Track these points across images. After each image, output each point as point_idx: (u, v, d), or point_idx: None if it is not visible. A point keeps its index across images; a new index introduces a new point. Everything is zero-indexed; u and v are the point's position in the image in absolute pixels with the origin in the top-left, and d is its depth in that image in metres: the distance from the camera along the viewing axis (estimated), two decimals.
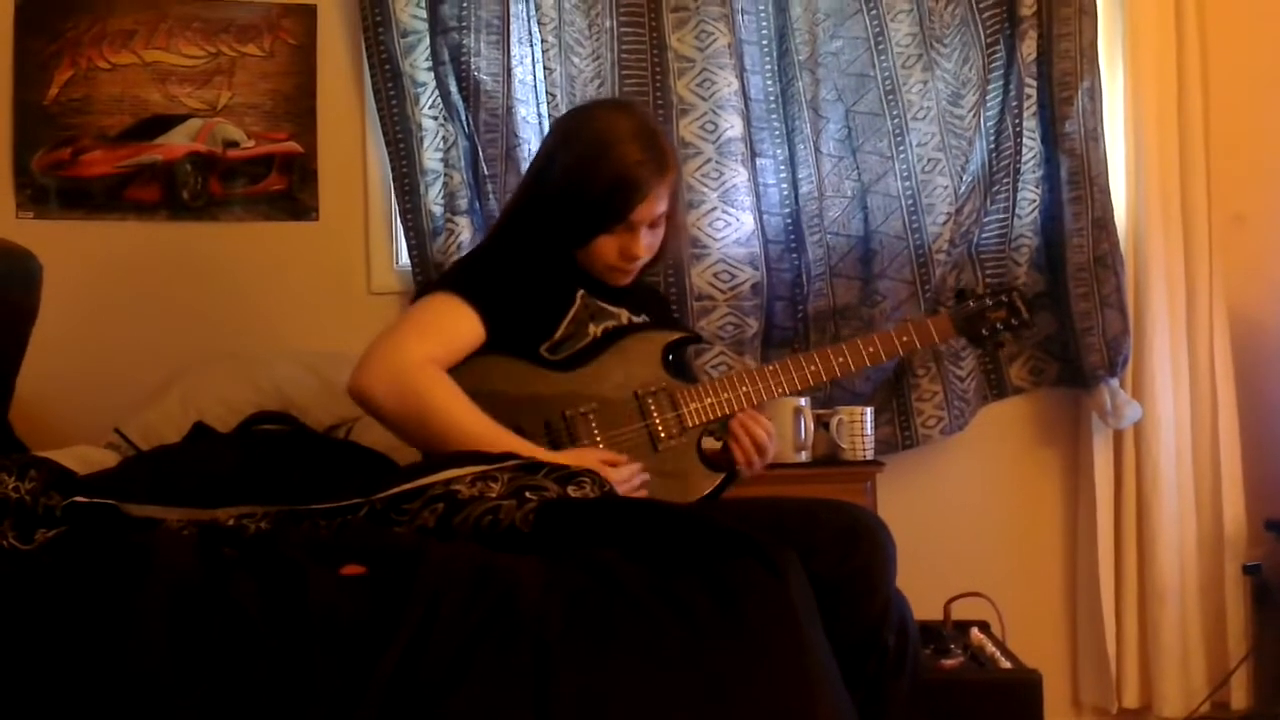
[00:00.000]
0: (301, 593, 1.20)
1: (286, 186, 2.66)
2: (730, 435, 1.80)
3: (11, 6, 2.57)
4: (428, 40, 2.54)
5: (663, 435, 1.76)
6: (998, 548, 2.74)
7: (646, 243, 1.83)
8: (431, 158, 2.56)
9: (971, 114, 2.62)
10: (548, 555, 1.31)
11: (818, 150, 2.61)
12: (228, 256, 2.63)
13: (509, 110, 2.54)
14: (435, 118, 2.57)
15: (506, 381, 1.75)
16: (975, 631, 2.28)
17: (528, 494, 1.46)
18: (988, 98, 2.62)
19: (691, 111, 2.58)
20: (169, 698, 1.12)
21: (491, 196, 2.52)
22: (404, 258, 2.64)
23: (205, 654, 1.15)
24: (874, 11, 2.62)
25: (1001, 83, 2.62)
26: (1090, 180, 2.58)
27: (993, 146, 2.63)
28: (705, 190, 2.57)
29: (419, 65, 2.56)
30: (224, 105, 2.64)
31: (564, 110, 2.51)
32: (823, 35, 2.63)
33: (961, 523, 2.73)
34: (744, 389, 1.80)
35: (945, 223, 2.60)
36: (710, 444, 1.81)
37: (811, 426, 2.38)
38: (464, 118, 2.53)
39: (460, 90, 2.52)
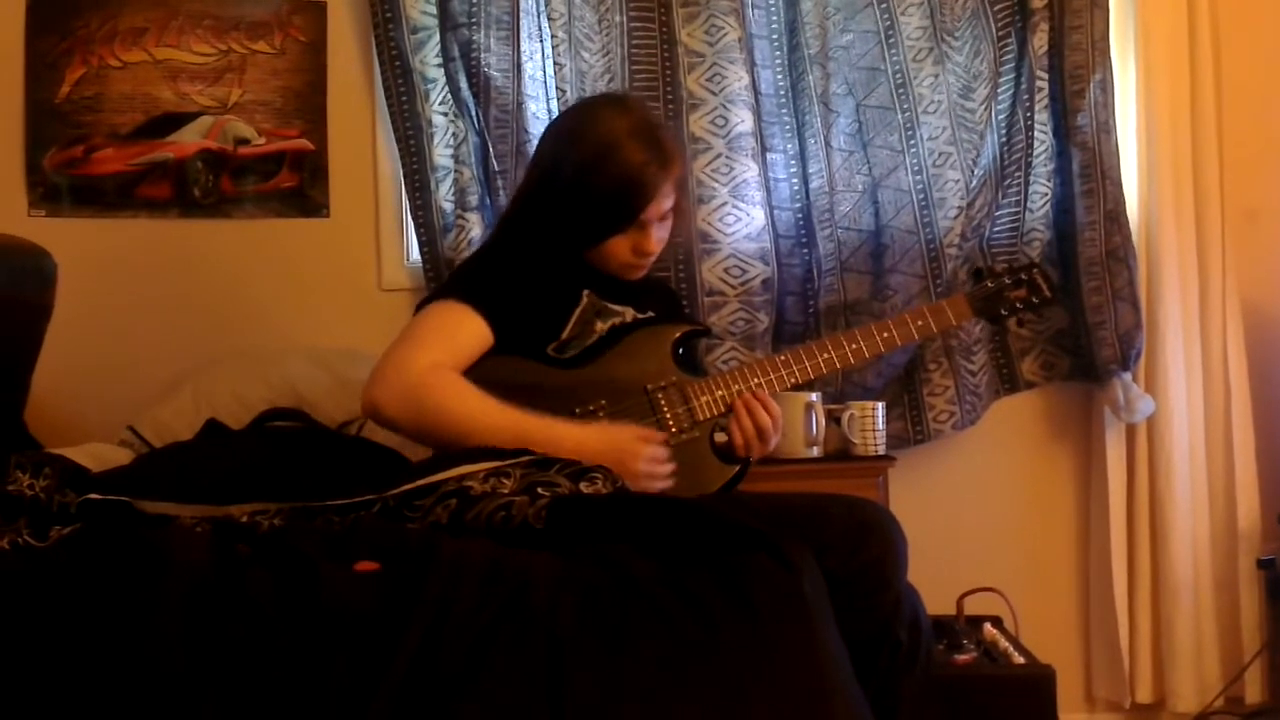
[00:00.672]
0: (315, 589, 1.20)
1: (298, 183, 2.66)
2: (732, 414, 1.78)
3: (23, 5, 2.58)
4: (438, 36, 2.54)
5: (674, 429, 1.76)
6: (1010, 543, 2.73)
7: (658, 237, 1.83)
8: (442, 154, 2.56)
9: (983, 107, 2.61)
10: (560, 551, 1.31)
11: (828, 145, 2.61)
12: (239, 254, 2.64)
13: (519, 106, 2.54)
14: (445, 114, 2.57)
15: (515, 380, 1.74)
16: (988, 626, 2.27)
17: (540, 490, 1.47)
18: (999, 91, 2.61)
19: (702, 106, 2.57)
20: (184, 694, 1.13)
21: (502, 192, 2.52)
22: (415, 254, 2.65)
23: (220, 650, 1.16)
24: (884, 5, 2.61)
25: (1013, 76, 2.61)
26: (1102, 173, 2.57)
27: (1004, 140, 2.62)
28: (716, 185, 2.57)
29: (429, 61, 2.56)
30: (235, 102, 2.64)
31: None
32: (833, 29, 2.62)
33: (974, 518, 2.72)
34: (755, 380, 1.80)
35: (957, 217, 2.59)
36: (722, 437, 1.80)
37: (823, 421, 2.38)
38: (474, 114, 2.53)
39: (470, 86, 2.52)
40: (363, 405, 1.71)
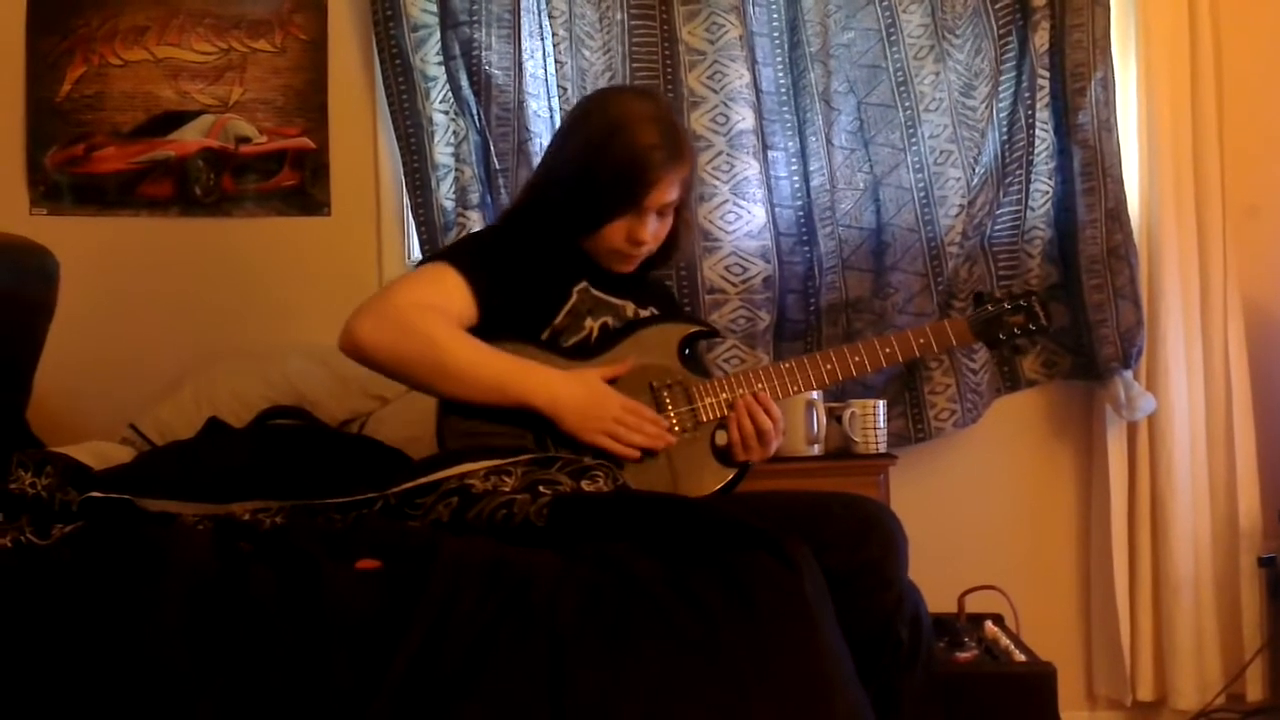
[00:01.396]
0: (317, 587, 1.20)
1: (299, 182, 2.66)
2: (733, 413, 1.78)
3: (23, 4, 2.59)
4: (438, 35, 2.54)
5: (677, 428, 1.76)
6: (1011, 540, 2.73)
7: (653, 229, 1.81)
8: (443, 152, 2.56)
9: (984, 105, 2.61)
10: (562, 549, 1.31)
11: (829, 142, 2.61)
12: (240, 252, 2.64)
13: (520, 104, 2.54)
14: (446, 112, 2.57)
15: None
16: (989, 624, 2.27)
17: (541, 488, 1.47)
18: (1000, 89, 2.61)
19: (703, 104, 2.57)
20: (186, 691, 1.13)
21: (503, 191, 2.52)
22: (416, 253, 2.65)
23: (222, 648, 1.16)
24: (886, 3, 2.61)
25: (1014, 74, 2.61)
26: (1103, 171, 2.57)
27: (1005, 138, 2.62)
28: (717, 183, 2.57)
29: (429, 60, 2.56)
30: (236, 101, 2.64)
31: (575, 104, 2.51)
32: (834, 27, 2.62)
33: (975, 516, 2.72)
34: (759, 385, 1.80)
35: (958, 215, 2.59)
36: (724, 438, 1.80)
37: (824, 420, 2.38)
38: (475, 112, 2.53)
39: (471, 85, 2.52)
40: (341, 340, 1.68)
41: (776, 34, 2.63)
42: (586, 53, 2.58)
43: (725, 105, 2.57)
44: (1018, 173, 2.62)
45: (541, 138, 2.54)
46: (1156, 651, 2.64)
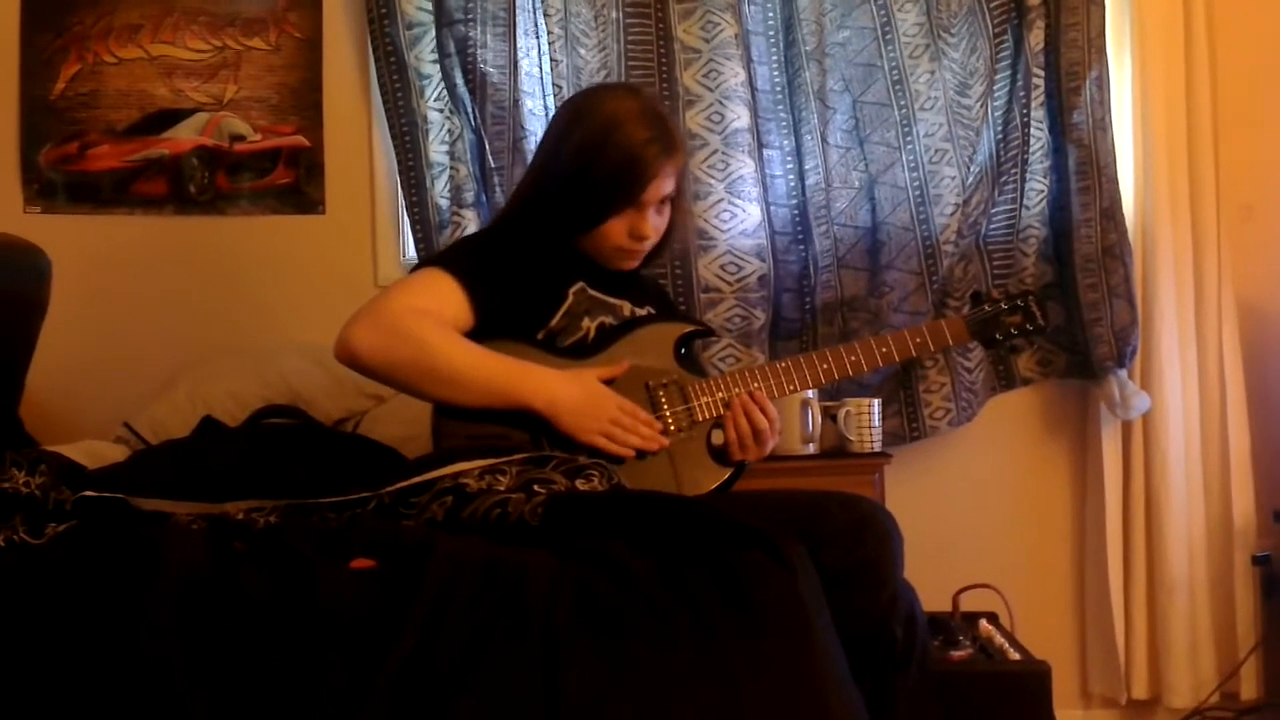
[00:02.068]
0: (311, 586, 1.20)
1: (293, 180, 2.66)
2: (727, 412, 1.78)
3: (17, 2, 2.58)
4: (433, 33, 2.54)
5: (672, 428, 1.76)
6: (1006, 539, 2.73)
7: (654, 223, 1.82)
8: (437, 150, 2.56)
9: (979, 104, 2.61)
10: (556, 548, 1.31)
11: (825, 141, 2.61)
12: (235, 250, 2.64)
13: (515, 102, 2.54)
14: (441, 110, 2.56)
15: None
16: (984, 623, 2.28)
17: (536, 487, 1.46)
18: (995, 88, 2.61)
19: (698, 102, 2.57)
20: (180, 691, 1.13)
21: (498, 189, 2.52)
22: (411, 251, 2.64)
23: (215, 647, 1.16)
24: (881, 1, 2.61)
25: (1009, 73, 2.61)
26: (1098, 171, 2.57)
27: (1000, 137, 2.62)
28: (712, 181, 2.57)
29: (424, 58, 2.56)
30: (230, 99, 2.64)
31: (562, 105, 2.50)
32: (830, 25, 2.62)
33: (970, 514, 2.73)
34: (755, 384, 1.80)
35: (953, 214, 2.59)
36: (720, 437, 1.80)
37: (819, 418, 2.38)
38: (470, 110, 2.52)
39: (466, 83, 2.52)
40: (336, 348, 1.67)
41: (772, 32, 2.63)
42: (582, 51, 2.58)
43: (720, 103, 2.57)
44: (1013, 171, 2.63)
45: (536, 136, 2.54)
46: (1151, 650, 2.65)
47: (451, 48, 2.51)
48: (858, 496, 1.60)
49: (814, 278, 2.60)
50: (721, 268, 2.56)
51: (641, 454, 1.70)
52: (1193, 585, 2.62)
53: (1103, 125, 2.58)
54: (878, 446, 2.44)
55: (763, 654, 1.20)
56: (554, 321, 1.77)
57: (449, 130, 2.56)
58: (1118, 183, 2.60)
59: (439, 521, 1.44)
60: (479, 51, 2.52)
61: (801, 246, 2.62)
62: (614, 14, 2.58)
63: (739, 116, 2.56)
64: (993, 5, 2.60)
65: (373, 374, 1.68)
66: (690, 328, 1.87)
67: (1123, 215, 2.59)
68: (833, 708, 1.21)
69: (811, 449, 2.38)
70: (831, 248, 2.62)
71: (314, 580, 1.21)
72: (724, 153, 2.57)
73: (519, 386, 1.66)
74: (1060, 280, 2.65)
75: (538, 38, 2.57)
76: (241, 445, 1.89)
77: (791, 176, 2.63)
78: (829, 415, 2.42)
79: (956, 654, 2.07)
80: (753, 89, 2.58)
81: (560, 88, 2.53)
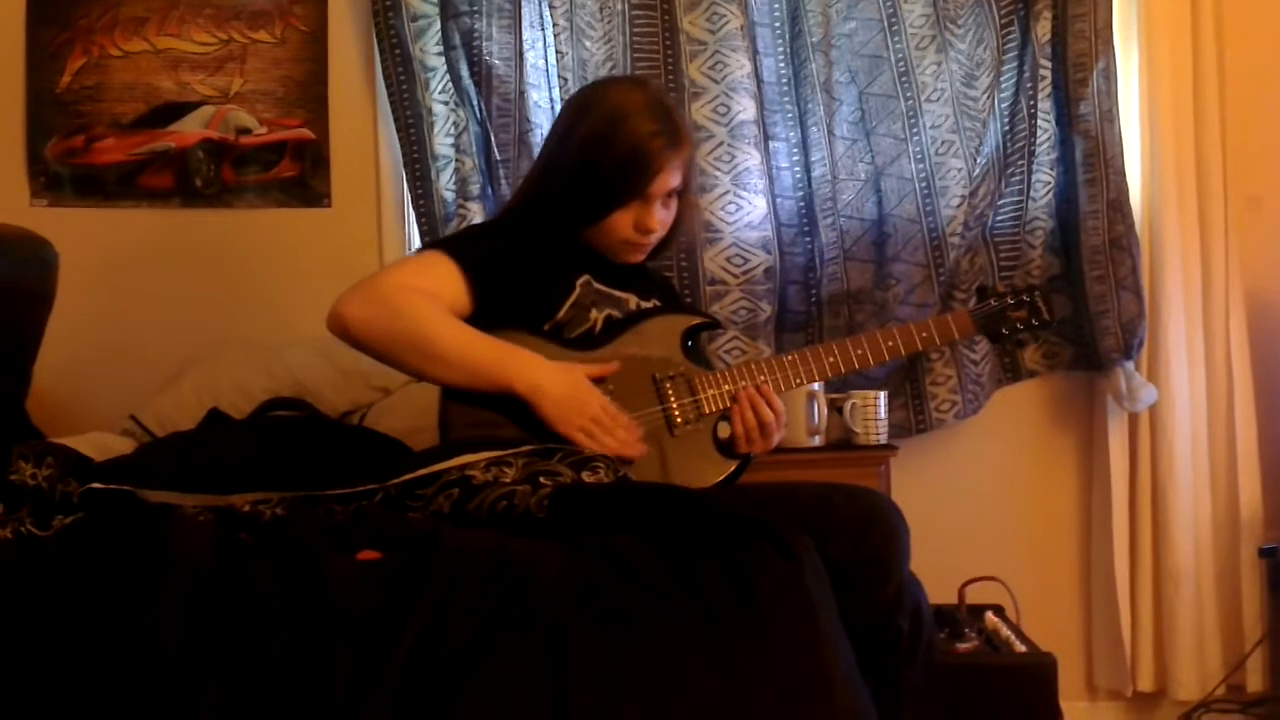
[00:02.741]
0: (318, 578, 1.20)
1: (299, 173, 2.66)
2: (734, 405, 1.77)
3: None
4: (438, 25, 2.53)
5: (679, 420, 1.76)
6: (1012, 532, 2.73)
7: (661, 216, 1.81)
8: (442, 143, 2.56)
9: (986, 95, 2.61)
10: (562, 540, 1.31)
11: (831, 133, 2.60)
12: (241, 243, 2.64)
13: (521, 95, 2.54)
14: (446, 103, 2.56)
15: None
16: (990, 615, 2.27)
17: (542, 479, 1.46)
18: (1002, 79, 2.60)
19: (704, 94, 2.56)
20: (188, 682, 1.13)
21: (504, 181, 2.52)
22: (416, 243, 2.64)
23: (223, 639, 1.16)
24: None
25: (1016, 64, 2.60)
26: (1105, 162, 2.56)
27: (1007, 128, 2.61)
28: (718, 174, 2.56)
29: (429, 50, 2.55)
30: (236, 92, 2.64)
31: (569, 98, 2.50)
32: (836, 17, 2.61)
33: (976, 507, 2.72)
34: (762, 377, 1.80)
35: (959, 205, 2.59)
36: (726, 430, 1.80)
37: (825, 410, 2.38)
38: (475, 102, 2.52)
39: (472, 75, 2.52)
40: (328, 319, 1.67)
41: (778, 24, 2.62)
42: (587, 43, 2.57)
43: (726, 96, 2.56)
44: (1019, 163, 2.62)
45: (542, 128, 2.54)
46: (1157, 642, 2.65)
47: (457, 40, 2.51)
48: (864, 489, 1.60)
49: (820, 270, 2.60)
50: (728, 260, 2.56)
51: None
52: (1199, 578, 2.61)
53: (1110, 117, 2.57)
54: (884, 439, 2.44)
55: (769, 646, 1.20)
56: (561, 313, 1.77)
57: (454, 123, 2.56)
58: (1125, 174, 2.59)
59: (445, 513, 1.44)
60: (484, 44, 2.52)
61: (808, 239, 2.62)
62: (619, 6, 2.58)
63: (745, 108, 2.56)
64: None
65: (361, 346, 1.69)
66: (697, 320, 1.87)
67: (1130, 207, 2.58)
68: (839, 699, 1.21)
69: (817, 441, 2.38)
70: (838, 240, 2.61)
71: (321, 572, 1.21)
72: (730, 145, 2.56)
73: (505, 368, 1.66)
74: (1067, 272, 2.64)
75: (543, 30, 2.57)
76: (248, 438, 1.89)
77: (798, 168, 2.63)
78: (835, 407, 2.42)
79: (962, 646, 2.08)
80: (759, 81, 2.57)
81: (566, 80, 2.52)
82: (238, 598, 1.19)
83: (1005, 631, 2.17)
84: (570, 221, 1.81)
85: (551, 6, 2.54)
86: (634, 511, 1.38)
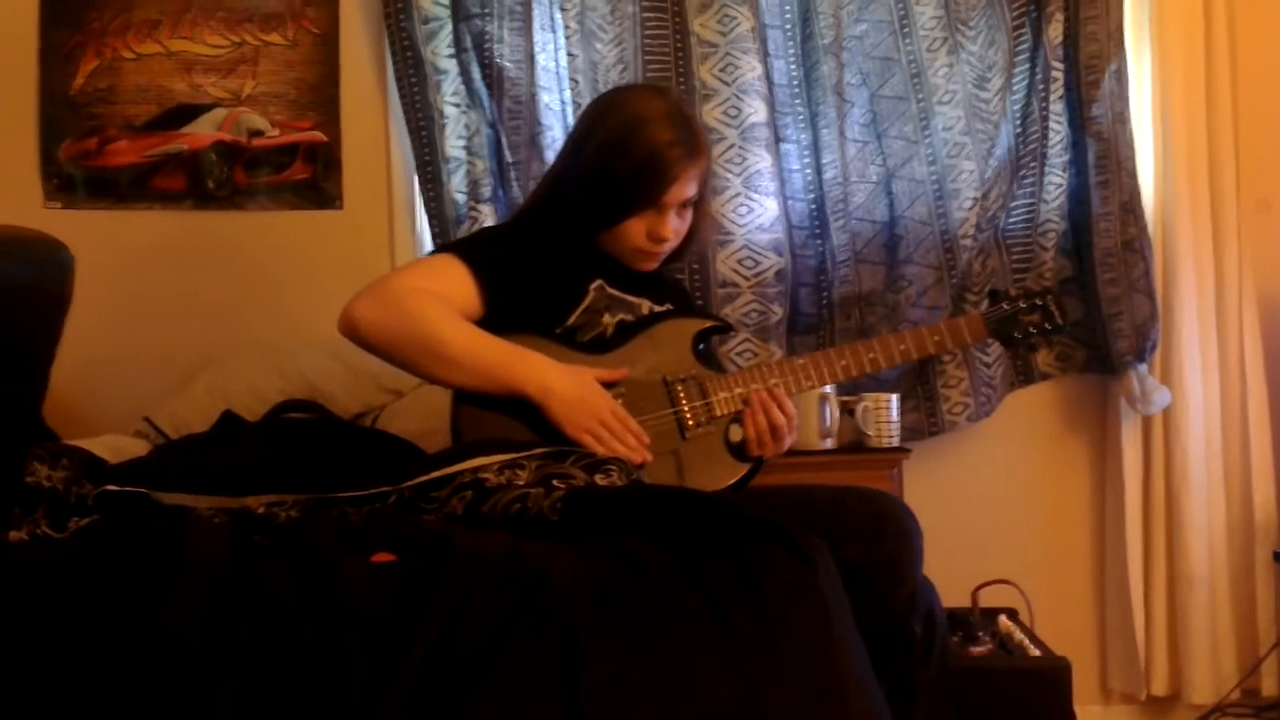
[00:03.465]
0: (332, 580, 1.21)
1: (311, 175, 2.67)
2: (746, 408, 1.77)
3: None
4: (450, 27, 2.54)
5: (691, 423, 1.75)
6: (1026, 535, 2.72)
7: (674, 226, 1.81)
8: (454, 145, 2.56)
9: (997, 97, 2.60)
10: (576, 543, 1.31)
11: (842, 135, 2.60)
12: (253, 245, 2.65)
13: (532, 97, 2.54)
14: (457, 105, 2.56)
15: None
16: (1003, 619, 2.27)
17: (555, 482, 1.46)
18: (1014, 81, 2.60)
19: (715, 97, 2.56)
20: (202, 684, 1.13)
21: (515, 184, 2.52)
22: (428, 246, 2.64)
23: (237, 641, 1.16)
24: None
25: (1028, 66, 2.60)
26: (1118, 164, 2.55)
27: (1019, 130, 2.60)
28: (729, 176, 2.56)
29: (441, 52, 2.56)
30: (248, 94, 2.65)
31: (587, 97, 2.51)
32: (847, 19, 2.61)
33: (989, 510, 2.72)
34: (773, 380, 1.79)
35: (971, 208, 2.58)
36: (737, 433, 1.80)
37: (837, 413, 2.37)
38: (487, 105, 2.53)
39: (483, 77, 2.52)
40: (339, 320, 1.68)
41: (789, 26, 2.62)
42: (598, 45, 2.57)
43: (737, 98, 2.56)
44: (1032, 165, 2.61)
45: (553, 130, 2.54)
46: (1171, 646, 2.64)
47: (468, 42, 2.51)
48: (876, 492, 1.60)
49: (831, 272, 2.59)
50: (739, 262, 2.56)
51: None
52: (1213, 581, 2.60)
53: (1122, 119, 2.57)
54: (896, 441, 2.43)
55: (782, 648, 1.20)
56: (573, 318, 1.77)
57: (466, 125, 2.56)
58: (1137, 176, 2.58)
59: (459, 516, 1.44)
60: (495, 46, 2.52)
61: (819, 241, 2.62)
62: (630, 8, 2.58)
63: (756, 111, 2.56)
64: None
65: (372, 348, 1.69)
66: (708, 323, 1.87)
67: (1142, 209, 2.58)
68: (853, 702, 1.21)
69: (830, 444, 2.38)
70: (849, 242, 2.61)
71: (335, 574, 1.21)
72: (741, 147, 2.56)
73: (514, 371, 1.66)
74: (1079, 275, 2.63)
75: (554, 32, 2.57)
76: (261, 440, 1.90)
77: (809, 171, 2.62)
78: (847, 410, 2.42)
79: (976, 650, 2.07)
80: (770, 83, 2.57)
81: (577, 82, 2.53)
82: (253, 600, 1.19)
83: (1019, 635, 2.17)
84: (583, 226, 1.81)
85: (563, 9, 2.54)
86: (647, 514, 1.38)
